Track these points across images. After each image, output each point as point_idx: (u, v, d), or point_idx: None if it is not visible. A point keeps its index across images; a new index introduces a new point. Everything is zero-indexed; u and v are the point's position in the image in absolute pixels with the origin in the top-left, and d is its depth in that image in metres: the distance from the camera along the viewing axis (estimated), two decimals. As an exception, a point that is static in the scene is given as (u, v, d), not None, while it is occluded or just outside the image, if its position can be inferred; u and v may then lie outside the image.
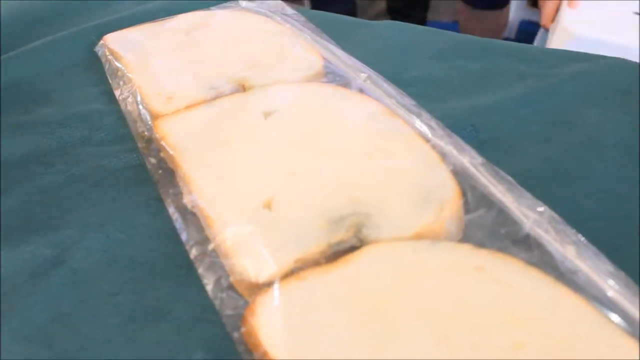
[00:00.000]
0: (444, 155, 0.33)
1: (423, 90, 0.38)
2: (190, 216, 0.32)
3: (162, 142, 0.35)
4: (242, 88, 0.39)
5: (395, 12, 1.61)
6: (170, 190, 0.34)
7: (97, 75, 0.45)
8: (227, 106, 0.37)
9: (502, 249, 0.28)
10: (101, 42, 0.47)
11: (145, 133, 0.37)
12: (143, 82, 0.40)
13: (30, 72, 0.46)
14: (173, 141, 0.35)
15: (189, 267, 0.30)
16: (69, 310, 0.30)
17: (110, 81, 0.44)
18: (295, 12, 0.48)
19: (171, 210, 0.33)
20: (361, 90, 0.38)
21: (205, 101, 0.38)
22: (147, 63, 0.42)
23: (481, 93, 0.40)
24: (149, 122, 0.38)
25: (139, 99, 0.39)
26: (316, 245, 0.29)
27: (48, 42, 0.49)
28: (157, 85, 0.40)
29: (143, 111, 0.38)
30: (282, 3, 0.50)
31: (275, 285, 0.27)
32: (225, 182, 0.33)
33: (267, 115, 0.36)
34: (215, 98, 0.38)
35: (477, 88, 0.40)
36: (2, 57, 0.48)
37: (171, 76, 0.41)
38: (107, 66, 0.45)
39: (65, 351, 0.28)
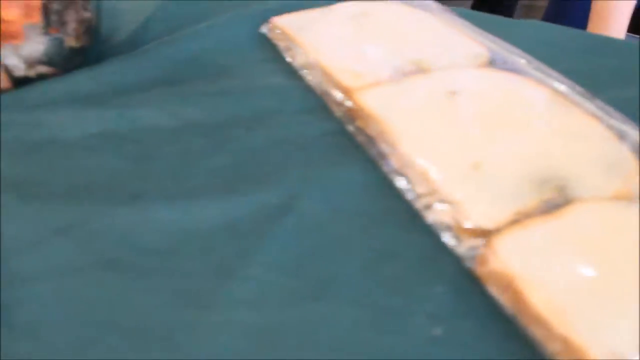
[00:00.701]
0: (621, 133, 0.38)
1: (575, 83, 0.43)
2: (401, 176, 0.37)
3: (364, 111, 0.40)
4: (421, 70, 0.44)
5: None
6: (377, 152, 0.39)
7: (270, 53, 0.50)
8: (414, 84, 0.42)
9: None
10: (268, 24, 0.52)
11: (344, 102, 0.42)
12: (327, 61, 0.45)
13: (206, 49, 0.51)
14: (373, 111, 0.40)
15: (412, 216, 0.35)
16: (309, 250, 0.33)
17: (287, 58, 0.48)
18: (445, 7, 0.53)
19: (383, 169, 0.38)
20: (531, 77, 0.43)
21: (392, 79, 0.43)
22: (325, 43, 0.47)
23: (630, 88, 0.45)
24: (342, 95, 0.42)
25: (325, 75, 0.44)
26: (530, 201, 0.34)
27: (215, 23, 0.53)
28: (342, 63, 0.45)
29: (333, 86, 0.43)
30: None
31: (508, 229, 0.32)
32: (432, 146, 0.37)
33: (451, 94, 0.41)
34: (399, 77, 0.43)
35: (624, 83, 0.45)
36: (174, 35, 0.52)
37: (354, 56, 0.45)
38: (280, 45, 0.50)
39: (315, 282, 0.31)
